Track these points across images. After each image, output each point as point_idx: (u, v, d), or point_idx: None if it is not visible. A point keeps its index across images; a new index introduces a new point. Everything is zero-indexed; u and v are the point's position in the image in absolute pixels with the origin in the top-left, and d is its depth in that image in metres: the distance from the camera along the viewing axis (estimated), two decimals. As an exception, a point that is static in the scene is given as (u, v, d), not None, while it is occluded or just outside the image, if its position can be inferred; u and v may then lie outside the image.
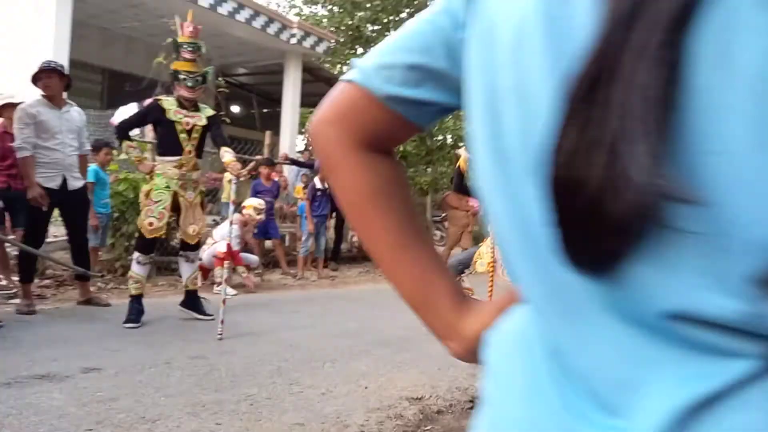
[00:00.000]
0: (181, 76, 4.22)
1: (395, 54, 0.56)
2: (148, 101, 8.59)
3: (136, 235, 4.61)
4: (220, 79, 7.35)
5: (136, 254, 4.35)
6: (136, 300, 4.27)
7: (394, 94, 0.56)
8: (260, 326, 4.44)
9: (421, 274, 0.59)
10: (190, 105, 4.35)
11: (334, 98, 0.60)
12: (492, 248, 5.04)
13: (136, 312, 4.20)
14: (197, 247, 4.62)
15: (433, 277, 0.59)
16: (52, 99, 4.53)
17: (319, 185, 7.73)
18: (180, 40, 4.30)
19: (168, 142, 4.31)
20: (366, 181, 0.59)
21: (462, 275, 5.51)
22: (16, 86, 6.58)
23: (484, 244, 5.44)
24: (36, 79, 4.54)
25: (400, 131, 0.61)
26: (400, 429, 2.59)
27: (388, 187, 0.60)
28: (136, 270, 4.32)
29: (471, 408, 2.92)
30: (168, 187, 4.26)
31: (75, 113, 4.73)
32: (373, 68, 0.57)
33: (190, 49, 4.27)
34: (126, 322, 4.13)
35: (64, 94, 4.73)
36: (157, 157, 4.43)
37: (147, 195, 4.30)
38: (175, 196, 4.32)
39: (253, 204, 6.51)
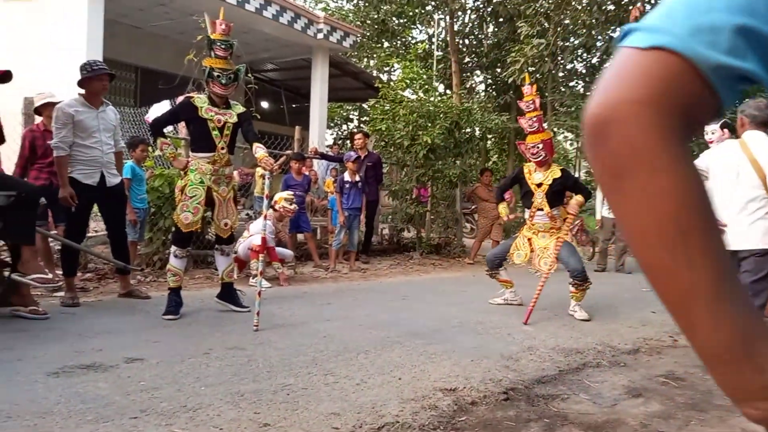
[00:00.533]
0: (215, 74, 4.28)
1: (715, 13, 0.44)
2: (180, 99, 8.76)
3: (173, 229, 4.71)
4: (249, 75, 7.42)
5: (173, 248, 4.46)
6: (175, 292, 4.38)
7: (724, 63, 0.44)
8: (295, 318, 4.51)
9: (746, 312, 0.45)
10: (221, 102, 4.43)
11: (637, 70, 0.45)
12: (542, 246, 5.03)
13: (174, 304, 4.31)
14: (231, 240, 4.71)
15: (756, 318, 0.46)
16: (91, 99, 4.65)
17: (348, 178, 7.77)
18: (213, 37, 4.36)
19: (201, 139, 4.39)
20: (691, 185, 0.45)
21: (500, 269, 5.49)
22: (51, 85, 6.78)
23: (520, 236, 5.40)
24: (89, 80, 4.61)
25: (707, 115, 0.48)
26: (435, 419, 2.61)
27: (707, 193, 0.46)
28: (174, 263, 4.43)
29: (505, 400, 2.92)
30: (202, 182, 4.35)
31: (110, 112, 4.85)
32: (688, 31, 0.45)
33: (222, 46, 4.33)
34: (165, 313, 4.24)
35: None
36: (191, 153, 4.52)
37: (182, 190, 4.39)
38: (209, 191, 4.40)
39: (282, 196, 6.59)
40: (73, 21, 9.21)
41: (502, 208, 5.60)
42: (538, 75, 12.45)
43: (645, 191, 0.45)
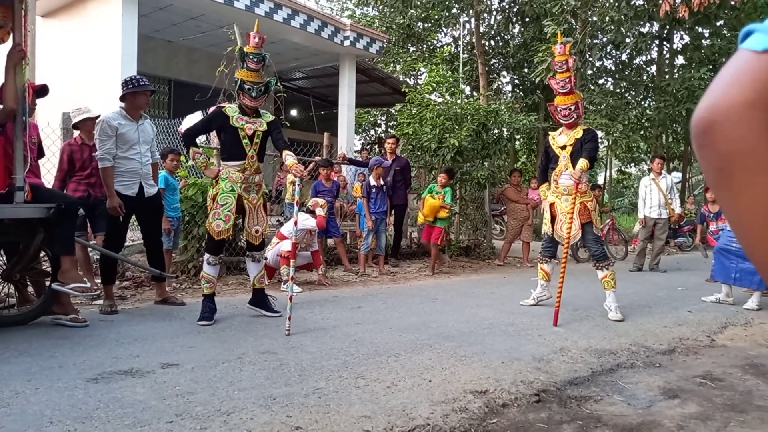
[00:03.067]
0: (246, 86, 4.35)
1: None
2: (212, 109, 8.89)
3: (206, 237, 4.80)
4: (278, 84, 7.54)
5: (206, 255, 4.55)
6: (209, 299, 4.47)
7: None
8: (325, 322, 4.55)
9: None
10: (251, 111, 4.51)
11: (748, 74, 0.47)
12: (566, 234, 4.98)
13: (209, 310, 4.40)
14: (262, 246, 4.78)
15: None
16: (132, 112, 4.81)
17: (373, 183, 7.83)
18: (246, 50, 4.41)
19: (232, 148, 4.47)
20: None
21: (552, 258, 5.44)
22: (87, 100, 6.99)
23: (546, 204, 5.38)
24: (133, 95, 4.78)
25: None
26: (466, 422, 2.60)
27: None
28: (207, 270, 4.52)
29: (537, 401, 2.90)
30: (233, 190, 4.43)
31: (148, 125, 5.00)
32: None
33: (255, 59, 4.38)
34: (200, 319, 4.33)
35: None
36: (222, 162, 4.61)
37: (213, 199, 4.48)
38: (239, 199, 4.48)
39: (318, 202, 6.76)
40: (108, 37, 9.50)
41: (543, 187, 5.50)
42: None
43: (750, 190, 0.46)
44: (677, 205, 9.13)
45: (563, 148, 5.14)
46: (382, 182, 7.87)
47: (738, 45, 0.50)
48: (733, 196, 0.48)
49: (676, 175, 24.44)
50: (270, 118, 4.61)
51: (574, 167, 5.03)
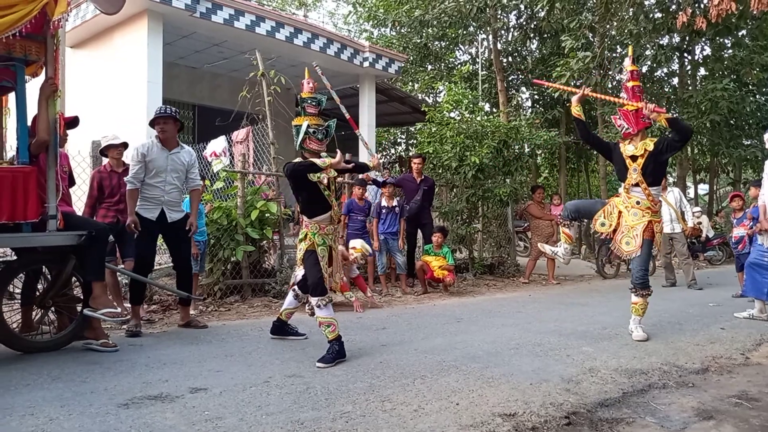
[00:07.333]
0: (311, 130, 4.20)
1: None
2: (235, 134, 8.96)
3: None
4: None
5: (314, 300, 4.15)
6: (336, 341, 4.08)
7: None
8: (351, 344, 4.53)
9: None
10: (317, 157, 4.23)
11: None
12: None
13: (336, 352, 4.01)
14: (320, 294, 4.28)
15: None
16: (165, 141, 4.96)
17: (384, 203, 7.88)
18: (303, 95, 4.32)
19: (316, 202, 4.24)
20: None
21: (574, 221, 5.05)
22: (116, 127, 7.16)
23: (612, 204, 4.99)
24: (153, 123, 5.02)
25: None
26: (495, 445, 2.58)
27: None
28: (323, 314, 4.12)
29: (567, 424, 2.85)
30: (324, 243, 4.23)
31: (183, 154, 5.11)
32: None
33: (313, 103, 4.28)
34: (320, 360, 3.95)
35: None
36: (309, 220, 4.26)
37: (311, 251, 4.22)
38: (330, 250, 4.29)
39: (360, 248, 6.81)
40: (134, 65, 9.75)
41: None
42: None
43: None
44: (690, 217, 9.06)
45: (633, 159, 4.78)
46: (393, 203, 7.93)
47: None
48: None
49: (703, 187, 24.01)
50: (331, 160, 4.27)
51: (647, 181, 4.71)
